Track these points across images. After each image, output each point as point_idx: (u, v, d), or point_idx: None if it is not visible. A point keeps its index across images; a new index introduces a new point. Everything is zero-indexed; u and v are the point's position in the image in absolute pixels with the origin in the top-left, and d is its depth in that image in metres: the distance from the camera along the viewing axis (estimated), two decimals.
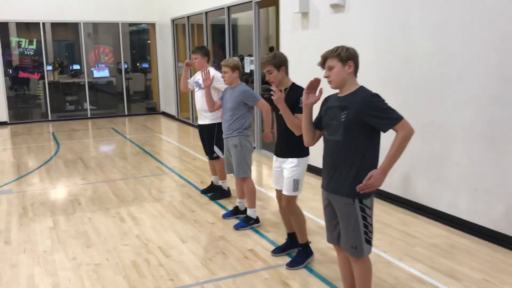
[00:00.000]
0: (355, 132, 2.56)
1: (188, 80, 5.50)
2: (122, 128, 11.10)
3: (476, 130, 4.12)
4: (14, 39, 11.82)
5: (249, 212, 4.54)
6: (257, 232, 4.37)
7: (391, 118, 2.48)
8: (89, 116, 12.66)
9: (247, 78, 10.44)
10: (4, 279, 3.54)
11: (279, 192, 3.77)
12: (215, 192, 5.48)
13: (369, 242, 2.68)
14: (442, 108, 4.42)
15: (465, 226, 4.28)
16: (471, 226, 4.22)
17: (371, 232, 2.68)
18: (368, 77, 5.26)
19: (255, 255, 3.86)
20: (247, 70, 8.79)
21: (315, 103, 2.76)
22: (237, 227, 4.47)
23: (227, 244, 4.10)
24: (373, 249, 3.88)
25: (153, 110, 13.52)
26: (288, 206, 3.63)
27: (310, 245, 3.72)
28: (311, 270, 3.57)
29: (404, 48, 4.80)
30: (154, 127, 11.21)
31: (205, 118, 5.27)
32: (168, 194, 5.61)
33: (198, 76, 5.38)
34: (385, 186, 5.17)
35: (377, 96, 2.54)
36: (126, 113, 13.12)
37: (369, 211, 2.65)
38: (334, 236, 2.83)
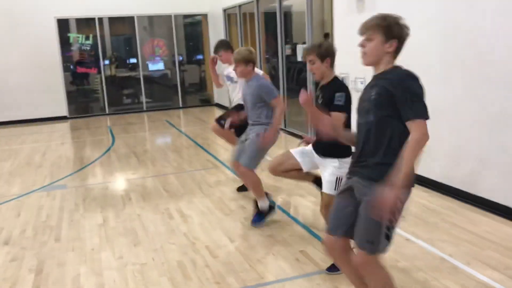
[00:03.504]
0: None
1: (218, 73, 5.44)
2: (176, 121, 11.10)
3: None
4: (71, 35, 12.08)
5: (260, 204, 4.24)
6: (308, 230, 4.11)
7: None
8: (144, 109, 12.80)
9: (302, 67, 10.13)
10: (51, 279, 3.49)
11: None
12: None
13: (388, 238, 2.31)
14: None
15: None
16: None
17: (394, 228, 2.31)
18: (429, 62, 4.86)
19: (306, 257, 3.61)
20: (299, 59, 8.48)
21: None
22: (254, 224, 4.23)
23: (277, 244, 3.86)
24: (438, 252, 3.55)
25: (207, 102, 13.47)
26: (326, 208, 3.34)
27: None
28: None
29: (471, 28, 4.33)
30: (207, 119, 11.13)
31: None
32: (218, 189, 5.44)
33: (228, 70, 5.21)
34: (449, 180, 4.74)
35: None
36: (181, 105, 13.15)
37: (400, 204, 2.23)
38: (340, 224, 2.47)
